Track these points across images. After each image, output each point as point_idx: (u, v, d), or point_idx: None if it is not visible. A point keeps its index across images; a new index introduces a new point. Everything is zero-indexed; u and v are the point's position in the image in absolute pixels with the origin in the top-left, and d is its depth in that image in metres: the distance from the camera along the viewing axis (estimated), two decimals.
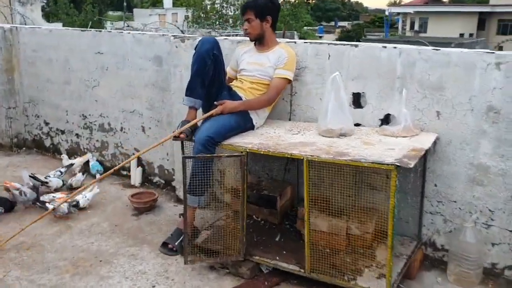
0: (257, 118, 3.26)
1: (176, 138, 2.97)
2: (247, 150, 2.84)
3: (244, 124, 3.16)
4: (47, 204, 3.77)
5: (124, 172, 4.64)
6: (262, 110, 3.27)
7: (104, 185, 4.51)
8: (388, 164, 2.48)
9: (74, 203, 3.79)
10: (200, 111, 3.21)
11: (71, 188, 4.24)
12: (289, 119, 3.53)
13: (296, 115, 3.49)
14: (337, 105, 2.99)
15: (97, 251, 3.32)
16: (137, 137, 4.44)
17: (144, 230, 3.64)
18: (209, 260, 3.01)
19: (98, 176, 4.50)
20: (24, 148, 5.44)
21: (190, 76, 3.04)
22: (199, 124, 3.08)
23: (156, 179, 4.41)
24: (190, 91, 3.05)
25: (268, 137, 3.08)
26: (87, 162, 4.78)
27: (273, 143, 2.92)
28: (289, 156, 2.72)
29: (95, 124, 4.75)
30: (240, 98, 3.22)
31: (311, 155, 2.66)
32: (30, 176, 4.16)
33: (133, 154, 4.52)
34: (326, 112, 3.01)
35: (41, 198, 3.90)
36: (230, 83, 3.39)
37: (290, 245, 3.15)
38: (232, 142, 2.96)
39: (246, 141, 2.99)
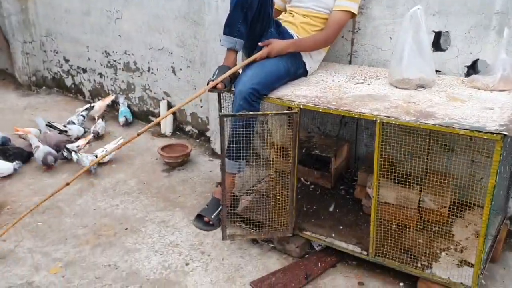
0: (311, 61, 2.63)
1: (212, 89, 2.39)
2: (301, 107, 2.26)
3: (295, 70, 2.55)
4: (73, 156, 3.36)
5: (154, 118, 4.14)
6: (317, 51, 2.63)
7: (130, 133, 4.04)
8: (492, 133, 1.87)
9: (92, 157, 3.33)
10: (240, 54, 2.61)
11: (98, 137, 3.78)
12: (349, 63, 2.89)
13: (359, 58, 2.84)
14: (415, 48, 2.33)
15: (122, 215, 2.88)
16: (167, 80, 3.88)
17: (176, 189, 3.17)
18: (251, 236, 2.52)
19: (122, 121, 4.03)
20: (44, 88, 4.98)
21: (230, 9, 2.41)
22: (240, 71, 2.48)
23: (189, 128, 3.90)
24: (229, 29, 2.43)
25: (325, 87, 2.47)
26: (113, 105, 4.29)
27: (334, 97, 2.32)
28: (357, 116, 2.12)
29: (119, 63, 4.20)
30: (290, 36, 2.58)
31: (387, 116, 2.06)
32: (47, 124, 3.71)
33: (163, 98, 3.99)
34: (401, 57, 2.36)
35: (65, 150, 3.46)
36: (278, 17, 2.74)
37: (348, 217, 2.63)
38: (281, 95, 2.37)
39: (298, 93, 2.39)
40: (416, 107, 2.14)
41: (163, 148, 3.51)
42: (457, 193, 2.38)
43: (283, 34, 2.58)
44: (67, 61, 4.65)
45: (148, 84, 4.04)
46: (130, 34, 3.99)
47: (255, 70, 2.36)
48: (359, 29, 2.78)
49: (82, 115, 4.02)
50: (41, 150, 3.35)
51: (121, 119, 4.07)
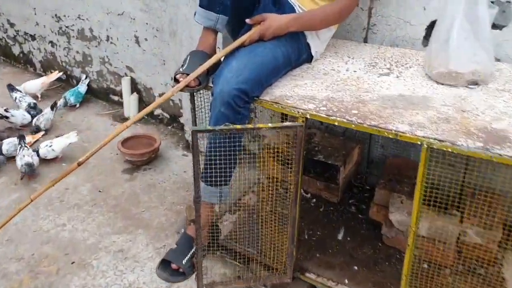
0: (317, 42, 1.92)
1: (182, 89, 1.67)
2: (307, 116, 1.57)
3: (297, 56, 1.85)
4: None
5: (116, 98, 3.41)
6: (326, 28, 1.92)
7: (88, 116, 3.31)
8: None
9: (29, 159, 2.59)
10: (221, 36, 1.89)
11: (37, 131, 3.02)
12: (365, 41, 2.18)
13: (378, 34, 2.14)
14: (469, 26, 1.64)
15: (69, 241, 2.22)
16: (129, 52, 3.13)
17: (140, 199, 2.50)
18: (236, 285, 1.87)
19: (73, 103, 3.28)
20: None
21: None
22: (221, 60, 1.76)
23: (158, 111, 3.18)
24: (207, 0, 1.70)
25: (338, 81, 1.78)
26: (68, 80, 3.53)
27: (352, 99, 1.63)
28: (392, 136, 1.44)
29: (72, 29, 3.41)
30: (291, 9, 1.86)
31: (438, 140, 1.39)
32: None
33: (125, 74, 3.24)
34: (446, 39, 1.68)
35: (3, 148, 2.73)
36: None
37: (363, 249, 2.01)
38: (279, 96, 1.67)
39: (303, 91, 1.70)
40: (476, 121, 1.47)
41: (124, 142, 2.81)
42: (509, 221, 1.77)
43: (281, 5, 1.84)
44: (12, 25, 3.83)
45: (107, 57, 3.28)
46: None
47: (242, 61, 1.64)
48: None
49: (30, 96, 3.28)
50: None
51: (70, 101, 3.30)
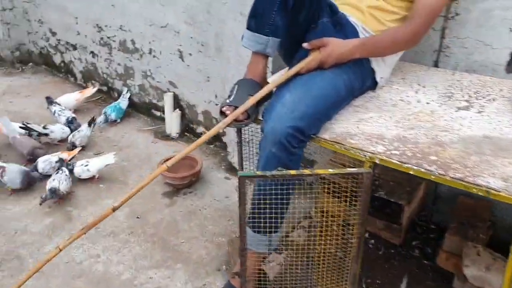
0: (383, 68, 1.68)
1: (230, 124, 1.47)
2: (376, 161, 1.33)
3: (360, 84, 1.62)
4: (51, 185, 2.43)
5: (157, 113, 3.25)
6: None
7: (129, 131, 3.17)
8: None
9: (56, 184, 2.42)
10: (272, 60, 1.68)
11: (73, 148, 2.89)
12: (436, 65, 1.92)
13: (451, 58, 1.87)
14: None
15: (102, 276, 2.06)
16: (173, 66, 2.96)
17: (179, 228, 2.32)
18: None
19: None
20: (30, 64, 4.10)
21: None
22: (273, 90, 1.55)
23: (200, 129, 3.01)
24: (256, 21, 1.50)
25: (409, 115, 1.54)
26: (109, 92, 3.41)
27: (429, 140, 1.39)
28: (483, 193, 1.19)
29: (114, 40, 3.28)
30: (354, 31, 1.63)
31: None
32: (22, 127, 2.86)
33: (168, 90, 3.08)
34: None
35: (39, 167, 2.61)
36: None
37: None
38: (341, 134, 1.44)
39: (368, 128, 1.46)
40: None
41: (165, 162, 2.63)
42: None
43: (342, 25, 1.61)
44: (53, 34, 3.75)
45: (149, 70, 3.13)
46: (125, 3, 3.05)
47: (297, 93, 1.42)
48: (456, 14, 1.80)
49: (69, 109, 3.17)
50: (11, 173, 2.49)
51: (111, 116, 3.16)
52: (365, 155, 1.34)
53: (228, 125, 1.46)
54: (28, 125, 2.88)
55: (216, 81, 2.74)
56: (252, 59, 1.56)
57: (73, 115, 3.11)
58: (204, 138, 1.49)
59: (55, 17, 3.62)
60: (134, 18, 3.04)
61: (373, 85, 1.68)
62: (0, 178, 2.49)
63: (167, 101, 3.04)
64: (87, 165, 2.57)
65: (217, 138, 2.93)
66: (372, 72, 1.65)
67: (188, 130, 3.09)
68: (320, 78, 1.47)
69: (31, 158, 2.73)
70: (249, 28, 1.51)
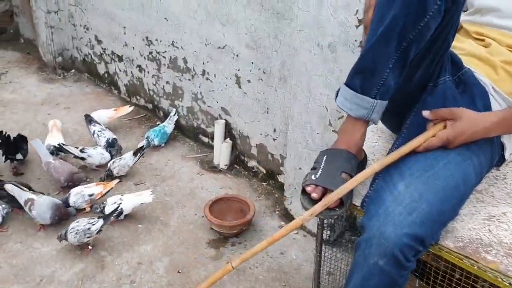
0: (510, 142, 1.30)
1: (318, 215, 1.12)
2: None
3: (489, 165, 1.24)
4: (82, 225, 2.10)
5: (205, 139, 2.94)
6: None
7: (173, 158, 2.86)
8: None
9: (92, 224, 2.10)
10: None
11: (109, 177, 2.58)
12: None
13: None
14: None
15: None
16: (228, 92, 2.64)
17: None
18: None
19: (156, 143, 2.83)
20: (72, 71, 3.85)
21: (369, 38, 1.10)
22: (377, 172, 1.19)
23: (253, 163, 2.67)
24: (364, 79, 1.13)
25: None
26: (155, 111, 3.11)
27: None
28: None
29: (164, 57, 2.98)
30: (482, 93, 1.25)
31: None
32: (57, 147, 2.59)
33: (219, 116, 2.76)
34: None
35: (71, 200, 2.33)
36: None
37: None
38: (468, 241, 1.07)
39: (503, 233, 1.09)
40: None
41: (213, 205, 2.32)
42: None
43: (467, 85, 1.24)
44: (99, 42, 3.48)
45: (201, 93, 2.81)
46: (180, 18, 2.74)
47: (416, 185, 1.05)
48: None
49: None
50: (40, 206, 2.21)
51: (154, 141, 2.86)
52: (509, 282, 0.97)
53: (317, 215, 1.11)
54: (64, 147, 2.60)
55: (276, 114, 2.40)
56: (347, 124, 1.21)
57: (114, 136, 2.83)
58: (283, 232, 1.13)
59: (102, 24, 3.35)
60: (188, 35, 2.72)
61: (499, 162, 1.30)
62: (28, 212, 2.21)
63: (218, 129, 2.71)
64: (120, 203, 2.27)
65: (272, 176, 2.59)
66: (501, 146, 1.27)
67: (238, 162, 2.76)
68: (445, 163, 1.10)
69: (70, 185, 2.46)
70: (351, 86, 1.15)
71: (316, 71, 1.98)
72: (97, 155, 2.64)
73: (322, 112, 2.03)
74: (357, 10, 1.77)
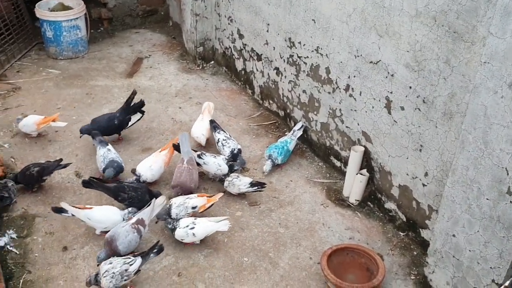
0: None
1: None
2: None
3: None
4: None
5: (337, 163, 2.52)
6: None
7: (295, 180, 2.50)
8: None
9: (130, 264, 1.83)
10: None
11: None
12: None
13: None
14: None
15: None
16: (373, 115, 2.18)
17: None
18: None
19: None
20: (212, 63, 3.66)
21: None
22: None
23: (391, 205, 2.20)
24: None
25: None
26: (286, 118, 2.77)
27: None
28: None
29: (304, 62, 2.60)
30: None
31: None
32: (174, 145, 2.40)
33: (358, 141, 2.32)
34: None
35: (172, 212, 2.11)
36: None
37: None
38: None
39: None
40: None
41: (331, 256, 1.91)
42: None
43: None
44: (241, 36, 3.22)
45: (340, 110, 2.40)
46: (330, 22, 2.33)
47: None
48: None
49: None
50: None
51: (270, 164, 2.50)
52: None
53: None
54: (201, 153, 2.41)
55: (432, 155, 1.90)
56: None
57: (239, 146, 2.56)
58: None
59: (246, 18, 3.08)
60: (337, 42, 2.31)
61: None
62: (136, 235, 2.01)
63: (355, 156, 2.28)
64: (193, 227, 1.99)
65: (413, 227, 2.10)
66: None
67: (372, 200, 2.31)
68: None
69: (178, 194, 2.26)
70: None
71: (500, 119, 1.45)
72: (214, 165, 2.39)
73: (500, 174, 1.50)
74: None
